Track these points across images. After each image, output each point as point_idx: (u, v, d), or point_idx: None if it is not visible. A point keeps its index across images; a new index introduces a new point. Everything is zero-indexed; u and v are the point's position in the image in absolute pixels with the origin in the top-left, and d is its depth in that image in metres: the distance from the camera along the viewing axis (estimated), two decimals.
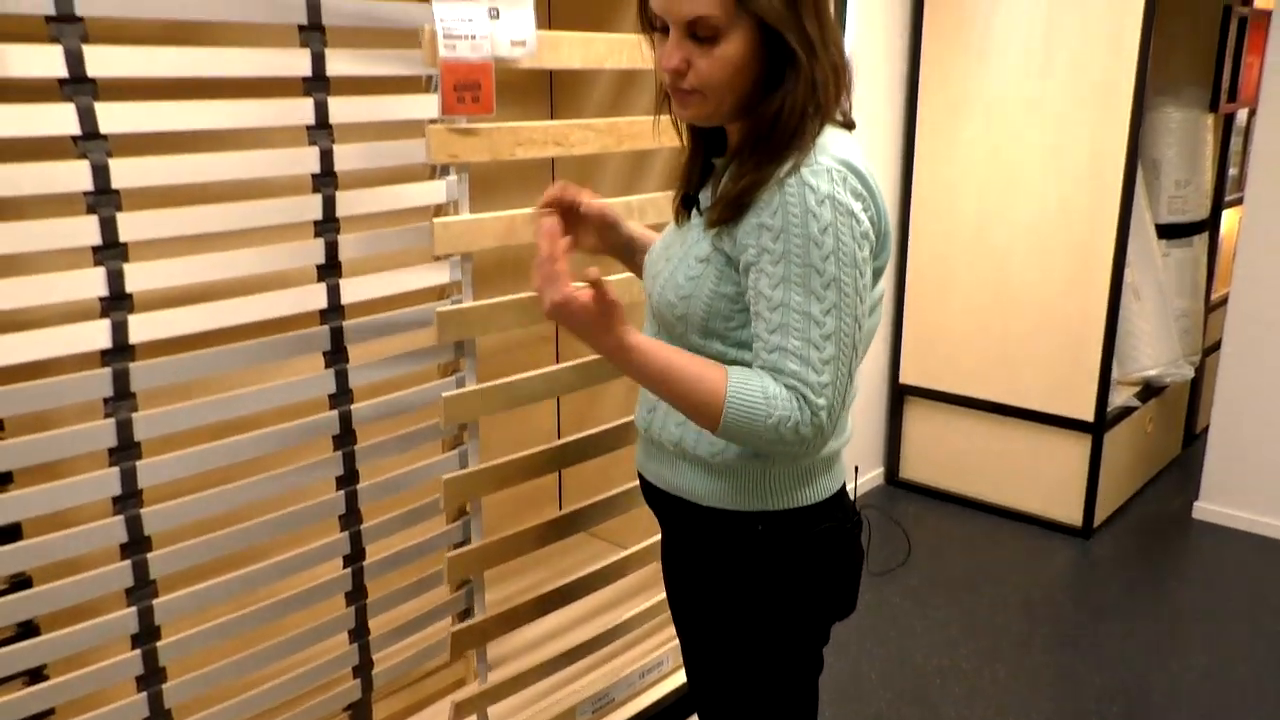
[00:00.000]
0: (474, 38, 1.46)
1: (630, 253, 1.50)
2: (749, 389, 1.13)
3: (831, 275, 1.10)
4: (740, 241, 1.16)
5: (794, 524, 1.27)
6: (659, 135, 1.78)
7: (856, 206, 1.11)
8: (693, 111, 1.19)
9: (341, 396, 1.66)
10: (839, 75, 1.16)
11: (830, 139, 1.15)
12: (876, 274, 1.21)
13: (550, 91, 2.42)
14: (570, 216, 1.41)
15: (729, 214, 1.17)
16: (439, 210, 1.75)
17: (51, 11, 1.27)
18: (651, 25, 1.20)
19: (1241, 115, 4.05)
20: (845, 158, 1.13)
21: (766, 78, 1.15)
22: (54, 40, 1.29)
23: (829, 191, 1.10)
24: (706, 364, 1.17)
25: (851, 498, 1.37)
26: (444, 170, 1.69)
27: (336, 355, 1.65)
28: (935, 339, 3.53)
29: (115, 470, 1.43)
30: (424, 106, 1.65)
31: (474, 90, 1.47)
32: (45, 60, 1.28)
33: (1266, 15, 3.58)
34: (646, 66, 1.80)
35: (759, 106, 1.16)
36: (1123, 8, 2.91)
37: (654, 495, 1.40)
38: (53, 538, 1.39)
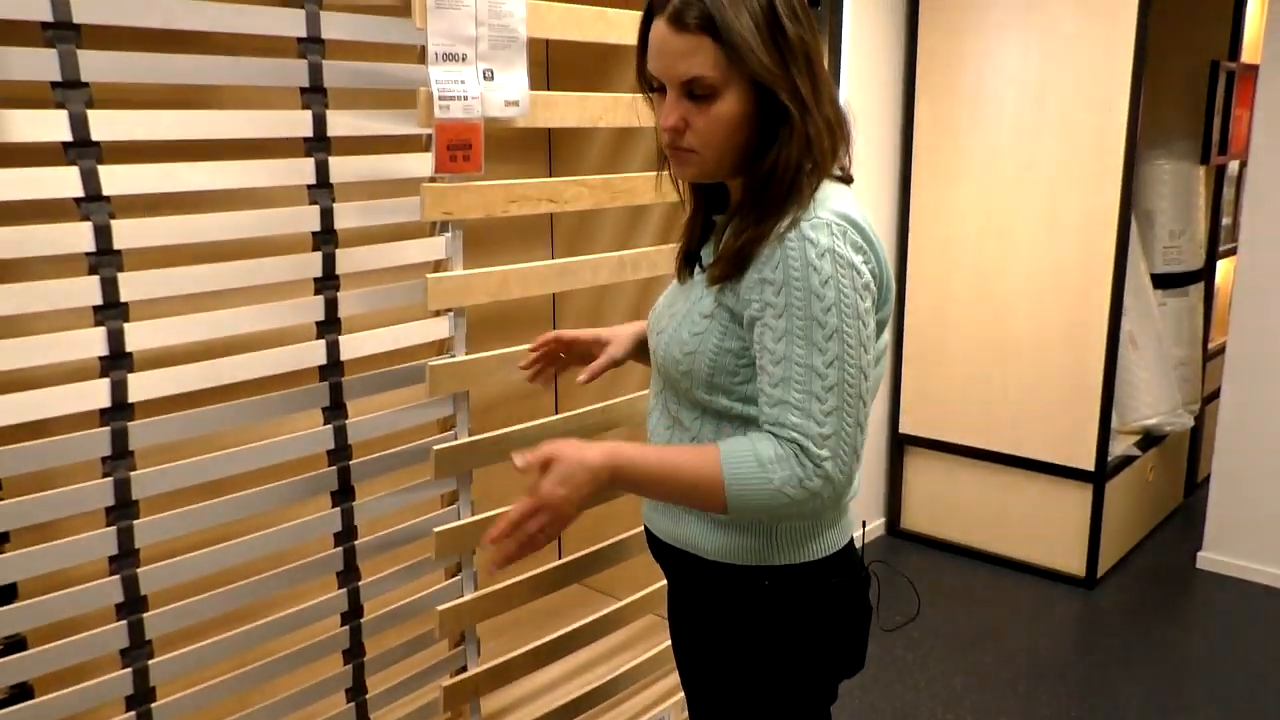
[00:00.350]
0: (466, 99, 1.49)
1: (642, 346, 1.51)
2: (742, 461, 1.12)
3: (833, 327, 1.11)
4: (743, 297, 1.17)
5: (802, 579, 1.27)
6: (661, 190, 1.81)
7: (857, 259, 1.13)
8: (692, 170, 1.21)
9: (340, 452, 1.67)
10: (834, 130, 1.18)
11: (829, 193, 1.17)
12: (880, 326, 1.22)
13: (549, 146, 2.45)
14: (568, 350, 1.48)
15: (730, 270, 1.18)
16: (437, 266, 1.76)
17: (57, 77, 1.30)
18: (650, 86, 1.22)
19: (1233, 166, 4.09)
20: (845, 211, 1.14)
21: (762, 135, 1.17)
22: (59, 105, 1.31)
23: (829, 245, 1.11)
24: (697, 452, 1.15)
25: (860, 552, 1.37)
26: (442, 227, 1.71)
27: (335, 411, 1.65)
28: (934, 389, 3.54)
29: (113, 530, 1.43)
30: (422, 165, 1.67)
31: (465, 150, 1.50)
32: (50, 125, 1.31)
33: (1254, 69, 3.64)
34: (642, 124, 1.83)
35: (755, 163, 1.18)
36: (1111, 64, 2.96)
37: (659, 548, 1.40)
38: (48, 598, 1.38)
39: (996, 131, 3.23)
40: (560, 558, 2.64)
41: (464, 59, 1.48)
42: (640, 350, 1.50)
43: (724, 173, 1.21)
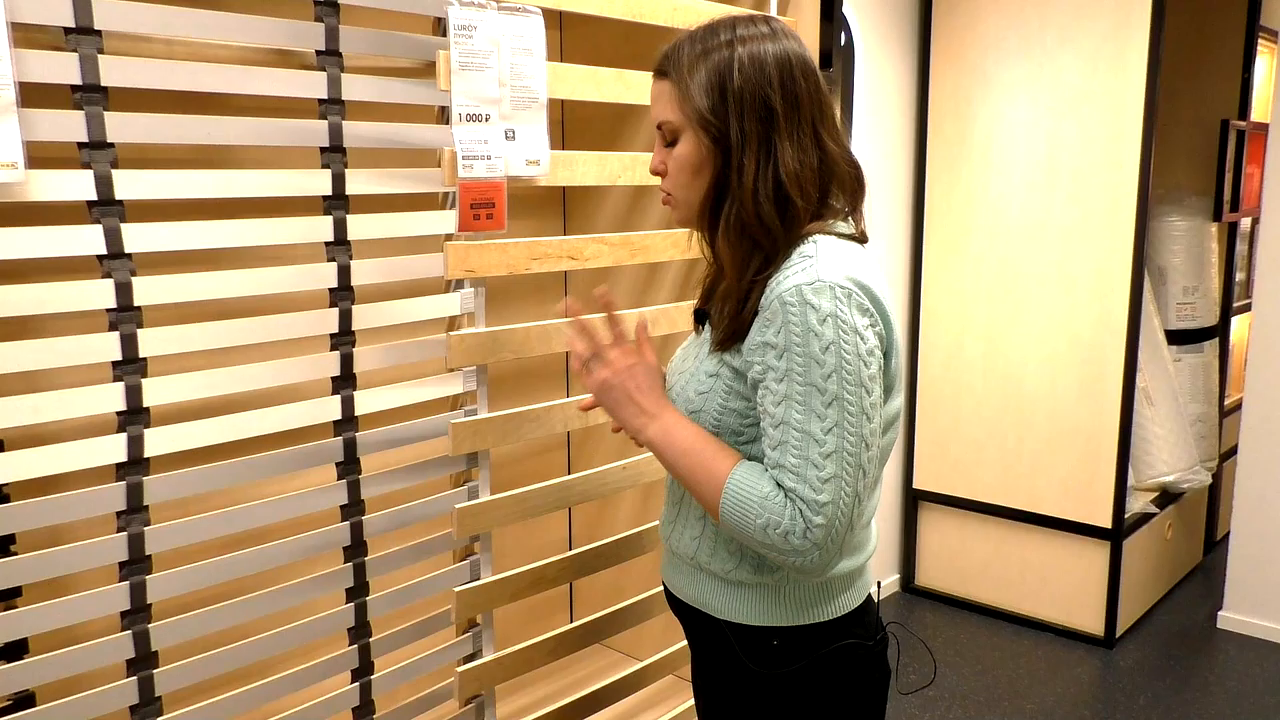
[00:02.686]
0: (489, 158, 1.51)
1: None
2: (747, 486, 1.14)
3: (834, 394, 1.10)
4: (746, 358, 1.17)
5: (812, 640, 1.25)
6: (680, 247, 1.82)
7: (862, 323, 1.11)
8: (676, 216, 1.26)
9: (353, 508, 1.66)
10: (793, 181, 1.16)
11: (836, 252, 1.15)
12: (888, 389, 1.21)
13: (564, 203, 2.48)
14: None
15: (724, 339, 1.20)
16: (453, 322, 1.77)
17: (84, 138, 1.32)
18: None
19: (1245, 222, 4.10)
20: (852, 273, 1.13)
21: (721, 181, 1.19)
22: (85, 165, 1.33)
23: (831, 310, 1.10)
24: (722, 452, 1.19)
25: (878, 613, 1.35)
26: (458, 283, 1.72)
27: (349, 466, 1.65)
28: (948, 444, 3.52)
29: (125, 585, 1.42)
30: (440, 222, 1.69)
31: (489, 208, 1.52)
32: (76, 185, 1.33)
33: (1264, 128, 3.67)
34: (653, 182, 1.85)
35: (718, 212, 1.19)
36: (1121, 122, 2.98)
37: (676, 605, 1.39)
38: (58, 654, 1.37)
39: (1008, 189, 3.25)
40: (572, 619, 2.63)
41: (487, 119, 1.50)
42: None
43: (695, 218, 1.24)
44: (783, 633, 1.25)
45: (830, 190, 1.21)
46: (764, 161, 1.16)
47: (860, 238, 1.23)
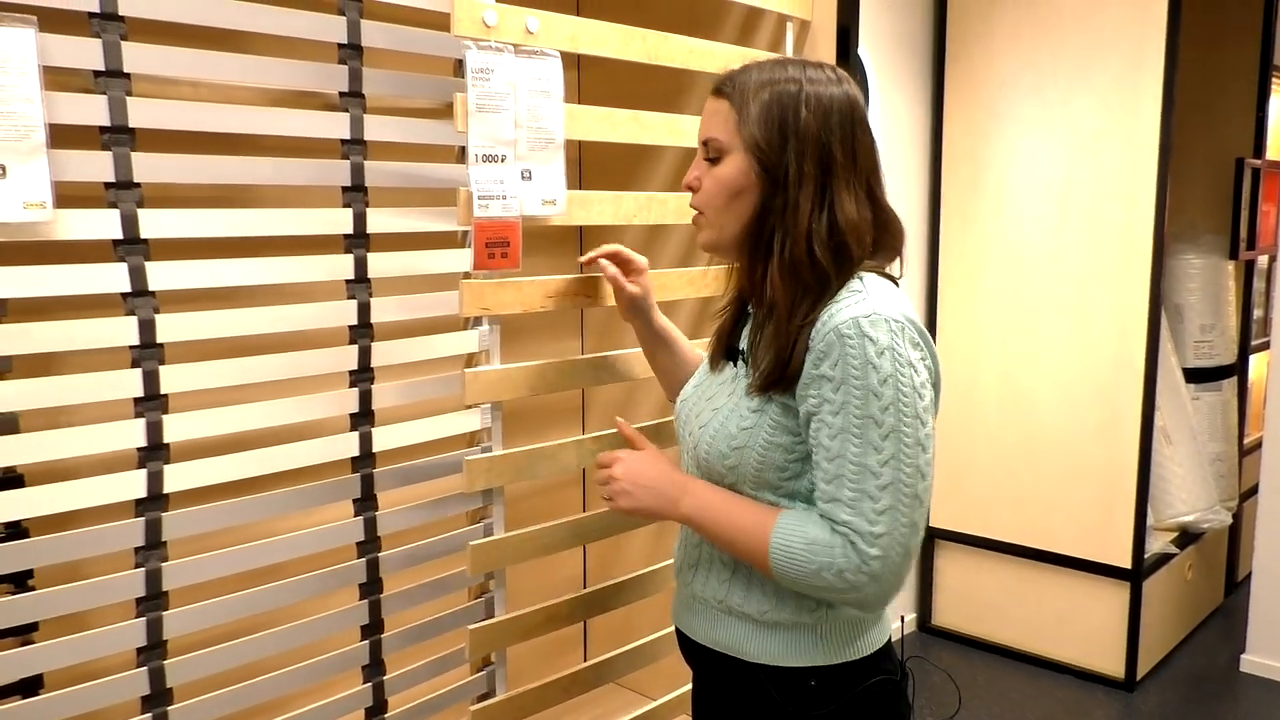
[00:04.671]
0: (505, 198, 1.53)
1: (655, 341, 1.56)
2: (791, 538, 1.14)
3: (890, 427, 1.10)
4: (800, 393, 1.16)
5: (846, 677, 1.24)
6: (707, 283, 1.84)
7: (915, 356, 1.12)
8: (703, 235, 1.26)
9: (370, 544, 1.67)
10: (850, 229, 1.18)
11: (881, 289, 1.17)
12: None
13: (580, 241, 2.50)
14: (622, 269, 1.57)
15: (773, 381, 1.19)
16: (470, 359, 1.78)
17: (112, 178, 1.35)
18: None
19: (1262, 260, 4.09)
20: (902, 308, 1.15)
21: (765, 213, 1.19)
22: (111, 205, 1.36)
23: (889, 343, 1.11)
24: (758, 514, 1.19)
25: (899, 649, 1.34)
26: (476, 320, 1.74)
27: (366, 503, 1.66)
28: (964, 482, 3.50)
29: (141, 621, 1.42)
30: (459, 260, 1.71)
31: (503, 247, 1.53)
32: (103, 223, 1.35)
33: (1278, 166, 3.67)
34: (672, 222, 1.86)
35: (755, 247, 1.21)
36: (1136, 161, 2.99)
37: (692, 650, 1.38)
38: (73, 690, 1.37)
39: (1023, 227, 3.26)
40: (586, 659, 2.62)
41: (503, 160, 1.52)
42: (640, 322, 1.57)
43: (727, 243, 1.24)
44: (820, 672, 1.24)
45: (880, 240, 1.23)
46: (819, 205, 1.17)
47: (892, 279, 1.25)
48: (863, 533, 1.11)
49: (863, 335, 1.11)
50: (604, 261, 1.55)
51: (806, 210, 1.16)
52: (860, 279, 1.18)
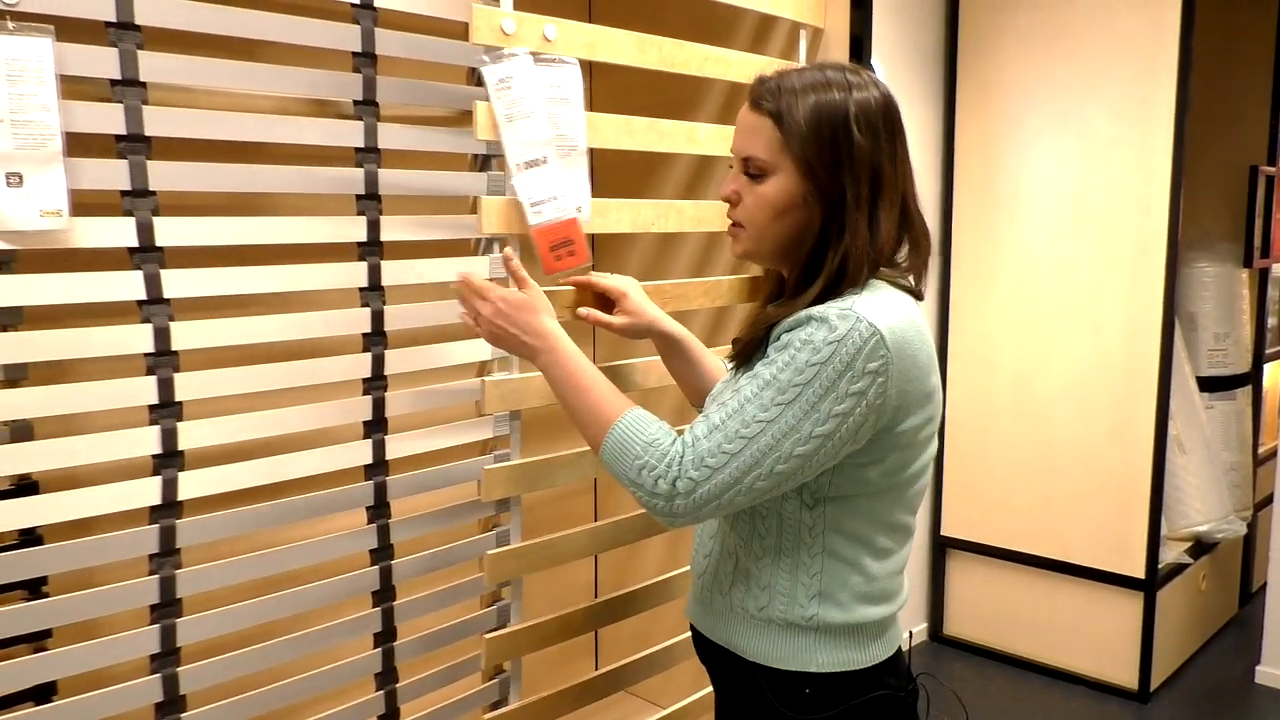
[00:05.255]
0: (557, 199, 1.53)
1: (669, 350, 1.56)
2: (634, 430, 1.18)
3: (789, 399, 1.11)
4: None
5: (845, 689, 1.24)
6: (723, 294, 1.83)
7: (865, 366, 1.11)
8: (741, 246, 1.27)
9: (383, 552, 1.66)
10: (880, 244, 1.19)
11: (886, 299, 1.17)
12: (916, 437, 1.21)
13: (593, 249, 2.49)
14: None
15: (741, 354, 1.24)
16: (483, 367, 1.78)
17: (128, 186, 1.35)
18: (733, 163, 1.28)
19: (1276, 268, 4.07)
20: (894, 324, 1.13)
21: (808, 229, 1.20)
22: (127, 213, 1.36)
23: (841, 337, 1.11)
24: (611, 395, 1.24)
25: (908, 664, 1.33)
26: None
27: (380, 511, 1.66)
28: (976, 491, 3.48)
29: (155, 628, 1.42)
30: (472, 268, 1.70)
31: (568, 246, 1.54)
32: (118, 231, 1.35)
33: None
34: (689, 229, 1.86)
35: (797, 255, 1.22)
36: (1150, 169, 2.97)
37: (704, 647, 1.38)
38: (88, 697, 1.37)
39: (1036, 234, 3.25)
40: (597, 666, 2.61)
41: (545, 162, 1.52)
42: (649, 337, 1.56)
43: (766, 254, 1.25)
44: (815, 680, 1.23)
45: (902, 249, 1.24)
46: (869, 225, 1.19)
47: (917, 294, 1.24)
48: (698, 454, 1.13)
49: (824, 320, 1.12)
50: (584, 310, 1.54)
51: (860, 231, 1.18)
52: (871, 285, 1.19)
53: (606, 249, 2.47)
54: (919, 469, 1.25)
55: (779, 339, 1.16)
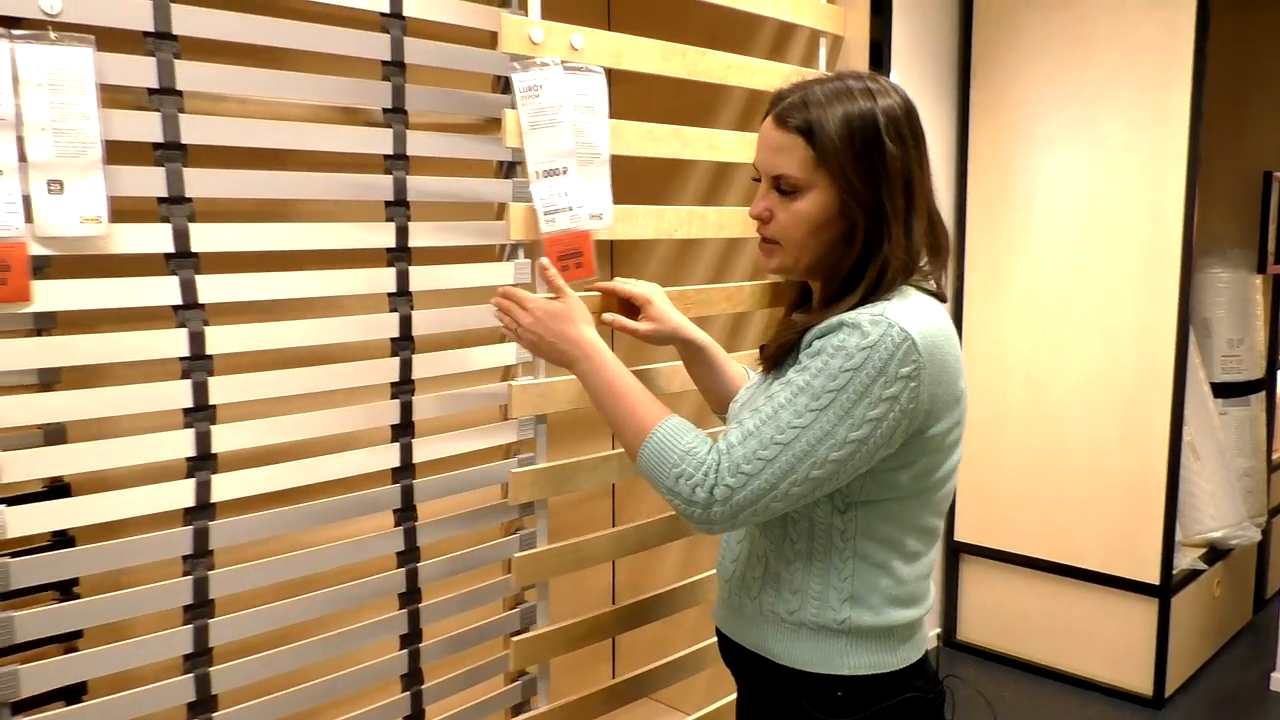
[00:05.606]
0: (571, 209, 1.55)
1: (691, 357, 1.57)
2: (673, 438, 1.19)
3: (823, 406, 1.12)
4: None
5: (876, 692, 1.25)
6: (745, 300, 1.84)
7: (898, 371, 1.12)
8: (775, 262, 1.26)
9: (409, 554, 1.68)
10: (915, 251, 1.22)
11: (917, 305, 1.18)
12: (945, 442, 1.22)
13: (611, 255, 2.51)
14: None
15: (772, 359, 1.25)
16: (506, 371, 1.80)
17: (164, 193, 1.37)
18: (756, 176, 1.28)
19: None
20: (925, 329, 1.15)
21: (844, 240, 1.21)
22: (164, 220, 1.38)
23: (874, 343, 1.12)
24: (649, 402, 1.25)
25: (935, 666, 1.35)
26: None
27: (406, 513, 1.67)
28: (990, 496, 3.49)
29: (189, 628, 1.44)
30: (498, 274, 1.72)
31: (577, 257, 1.55)
32: (155, 238, 1.37)
33: None
34: (711, 235, 1.87)
35: (833, 266, 1.23)
36: (1163, 176, 2.98)
37: (731, 651, 1.39)
38: (123, 696, 1.39)
39: (1049, 241, 3.26)
40: (614, 670, 2.62)
41: (565, 172, 1.54)
42: (672, 344, 1.57)
43: (802, 269, 1.25)
44: (847, 683, 1.24)
45: (931, 253, 1.26)
46: (904, 233, 1.21)
47: (940, 295, 1.25)
48: (734, 460, 1.14)
49: (857, 326, 1.13)
50: (609, 316, 1.55)
51: (899, 240, 1.19)
52: (900, 290, 1.20)
53: (625, 254, 2.48)
54: (946, 472, 1.26)
55: (811, 345, 1.17)
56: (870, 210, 1.19)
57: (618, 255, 2.50)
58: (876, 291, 1.19)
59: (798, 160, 1.19)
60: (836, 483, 1.17)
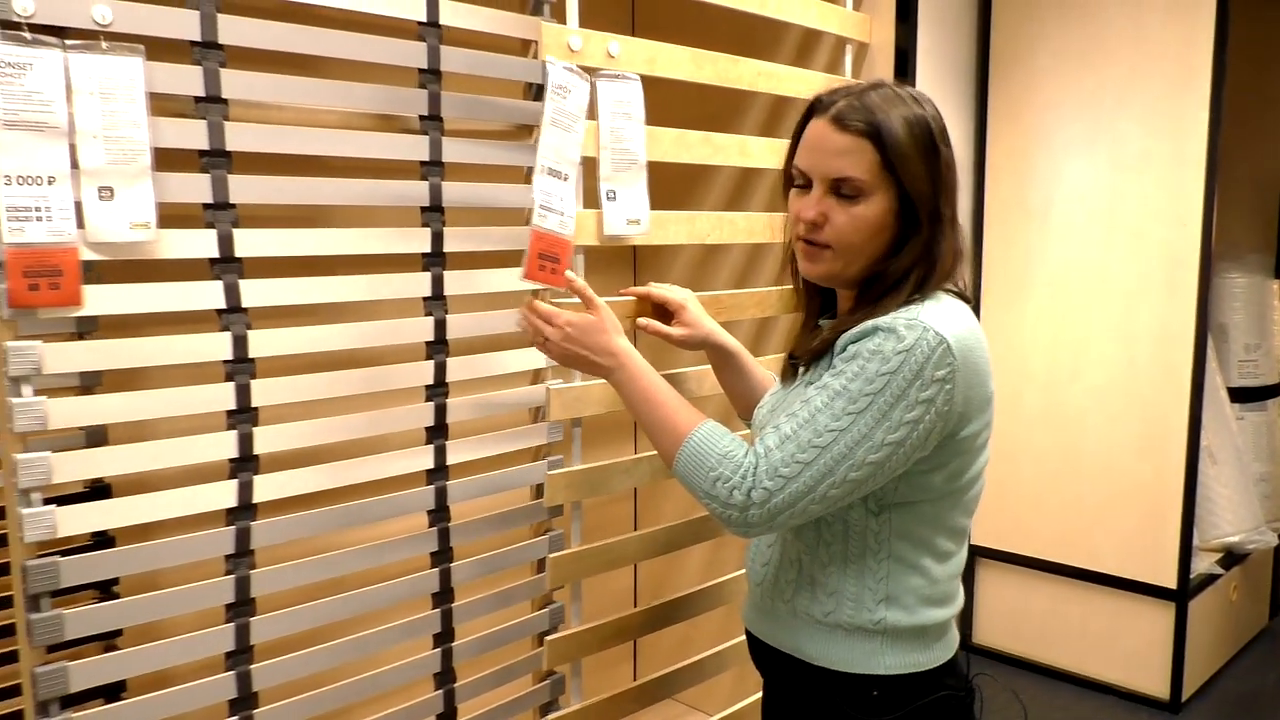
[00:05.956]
0: (563, 215, 1.56)
1: (721, 363, 1.61)
2: (712, 442, 1.20)
3: (860, 409, 1.14)
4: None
5: (909, 690, 1.27)
6: (773, 303, 1.87)
7: (933, 374, 1.15)
8: (822, 268, 1.26)
9: (443, 555, 1.70)
10: (958, 252, 1.25)
11: (949, 309, 1.21)
12: (956, 452, 1.24)
13: (634, 260, 2.53)
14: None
15: (811, 354, 1.27)
16: (536, 375, 1.82)
17: (210, 199, 1.39)
18: (791, 180, 1.28)
19: None
20: (958, 332, 1.17)
21: (896, 244, 1.23)
22: (209, 225, 1.40)
23: (910, 347, 1.14)
24: (684, 408, 1.27)
25: (966, 666, 1.37)
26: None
27: (440, 514, 1.70)
28: (1007, 500, 3.50)
29: (231, 626, 1.46)
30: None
31: (554, 262, 1.56)
32: (201, 243, 1.40)
33: None
34: (741, 240, 1.89)
35: (879, 269, 1.24)
36: (1182, 182, 3.00)
37: (762, 652, 1.40)
38: (166, 693, 1.41)
39: (1067, 246, 3.27)
40: (635, 670, 2.64)
41: (565, 179, 1.56)
42: (703, 349, 1.60)
43: (851, 274, 1.25)
44: (883, 682, 1.26)
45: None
46: (948, 232, 1.23)
47: (965, 297, 1.28)
48: (772, 464, 1.16)
49: (893, 330, 1.15)
50: (644, 320, 1.58)
51: (949, 243, 1.22)
52: (935, 298, 1.22)
53: (651, 259, 2.50)
54: (976, 473, 1.29)
55: (845, 350, 1.19)
56: (931, 214, 1.21)
57: (642, 260, 2.52)
58: (920, 294, 1.21)
59: (865, 163, 1.19)
60: (873, 485, 1.19)
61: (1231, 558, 3.52)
